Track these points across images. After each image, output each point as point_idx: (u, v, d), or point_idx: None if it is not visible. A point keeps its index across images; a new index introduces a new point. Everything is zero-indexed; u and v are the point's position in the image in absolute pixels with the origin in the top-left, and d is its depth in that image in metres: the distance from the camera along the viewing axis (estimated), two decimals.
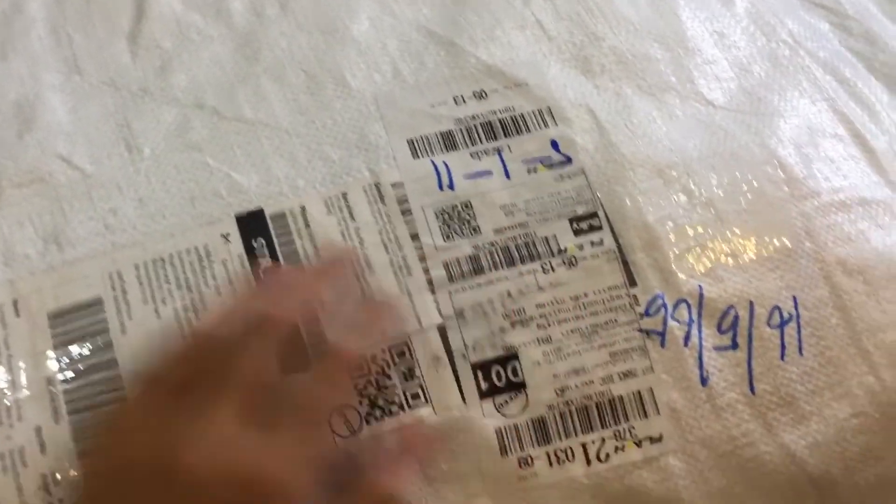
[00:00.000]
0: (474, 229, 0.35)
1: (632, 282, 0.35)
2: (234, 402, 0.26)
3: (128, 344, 0.32)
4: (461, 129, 0.37)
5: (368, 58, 0.40)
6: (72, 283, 0.33)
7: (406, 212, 0.35)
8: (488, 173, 0.36)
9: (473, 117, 0.38)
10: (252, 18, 0.41)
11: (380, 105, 0.38)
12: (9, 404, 0.31)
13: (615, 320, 0.34)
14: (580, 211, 0.36)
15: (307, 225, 0.35)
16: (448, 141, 0.37)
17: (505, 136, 0.37)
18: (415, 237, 0.35)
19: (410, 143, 0.37)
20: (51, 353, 0.32)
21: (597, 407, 0.33)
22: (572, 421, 0.33)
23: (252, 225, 0.35)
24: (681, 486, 0.33)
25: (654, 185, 0.37)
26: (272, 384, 0.28)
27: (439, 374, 0.33)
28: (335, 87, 0.39)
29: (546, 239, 0.35)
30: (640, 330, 0.34)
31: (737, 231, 0.36)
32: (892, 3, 0.48)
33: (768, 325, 0.35)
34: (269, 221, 0.35)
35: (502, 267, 0.35)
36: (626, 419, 0.33)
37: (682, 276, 0.35)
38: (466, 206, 0.36)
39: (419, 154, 0.37)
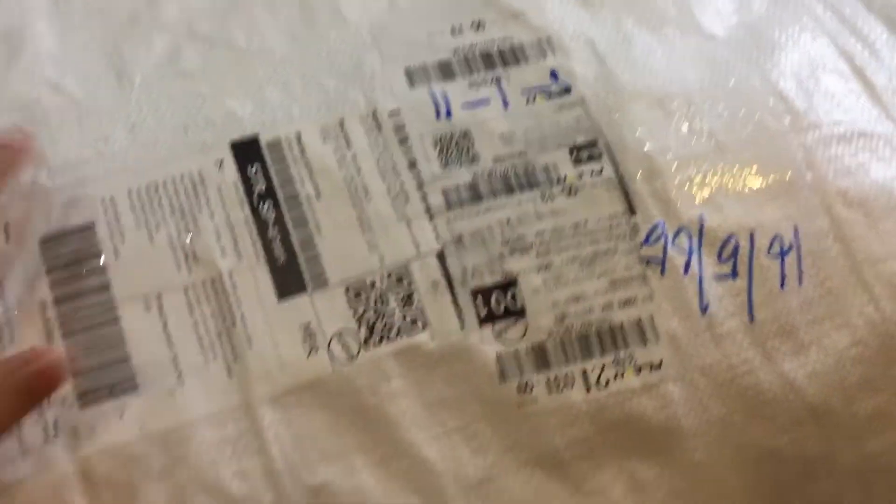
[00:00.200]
0: (473, 157, 0.35)
1: (632, 210, 0.34)
2: None
3: (121, 268, 0.32)
4: (459, 59, 0.37)
5: None
6: (63, 208, 0.32)
7: (403, 140, 0.35)
8: (486, 102, 0.36)
9: (471, 46, 0.37)
10: None
11: (375, 35, 0.37)
12: (1, 327, 0.31)
13: (615, 248, 0.34)
14: (579, 140, 0.35)
15: (303, 152, 0.34)
16: (446, 70, 0.36)
17: (503, 65, 0.37)
18: (412, 165, 0.34)
19: (407, 72, 0.36)
20: (43, 277, 0.31)
21: (597, 334, 0.33)
22: (572, 347, 0.33)
23: (247, 152, 0.34)
24: (680, 413, 0.33)
25: (654, 116, 0.36)
26: None
27: (438, 300, 0.33)
28: (330, 16, 0.38)
29: (546, 167, 0.35)
30: (640, 258, 0.34)
31: (737, 161, 0.36)
32: None
33: (768, 254, 0.35)
34: (263, 148, 0.34)
35: (501, 195, 0.34)
36: (626, 346, 0.33)
37: (682, 204, 0.35)
38: (465, 135, 0.35)
39: (416, 83, 0.36)
